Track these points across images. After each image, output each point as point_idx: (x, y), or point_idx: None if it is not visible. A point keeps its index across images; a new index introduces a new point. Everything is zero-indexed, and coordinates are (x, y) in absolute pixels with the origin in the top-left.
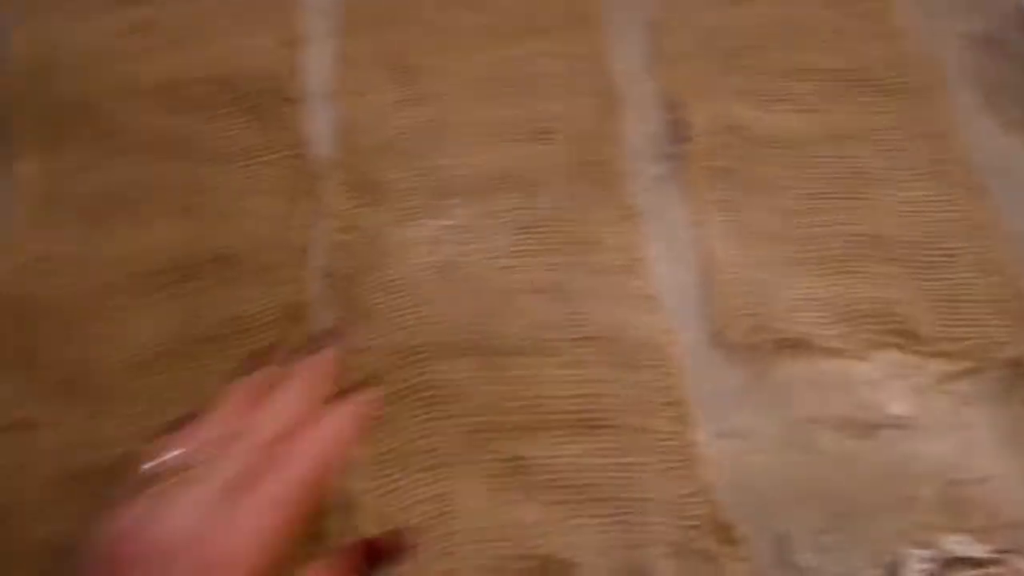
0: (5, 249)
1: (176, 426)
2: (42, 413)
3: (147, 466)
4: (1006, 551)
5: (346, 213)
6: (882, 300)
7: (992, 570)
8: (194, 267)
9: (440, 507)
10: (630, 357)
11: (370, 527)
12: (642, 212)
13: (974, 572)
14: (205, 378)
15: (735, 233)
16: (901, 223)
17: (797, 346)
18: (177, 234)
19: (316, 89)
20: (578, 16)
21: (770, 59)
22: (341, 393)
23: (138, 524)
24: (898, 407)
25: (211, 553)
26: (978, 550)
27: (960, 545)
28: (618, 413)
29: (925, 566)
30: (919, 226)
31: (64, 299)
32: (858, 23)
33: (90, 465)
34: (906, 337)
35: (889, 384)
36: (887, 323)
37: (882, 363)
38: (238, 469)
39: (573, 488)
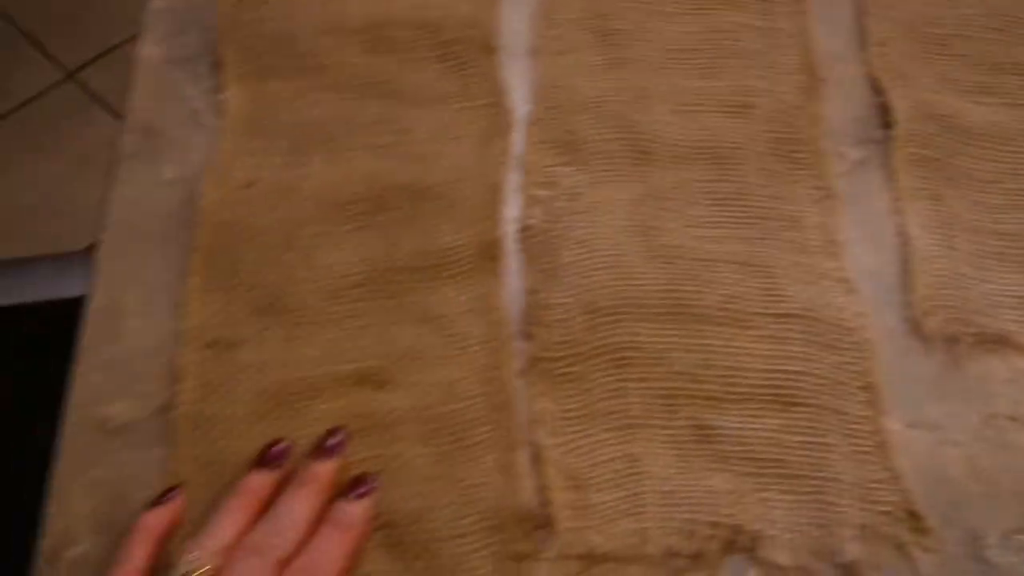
0: (214, 176)
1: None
2: (243, 332)
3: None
4: None
5: (544, 169)
6: None
7: None
8: (390, 200)
9: (628, 467)
10: (826, 337)
11: (557, 481)
12: (841, 195)
13: None
14: (398, 308)
15: (936, 223)
16: None
17: (996, 341)
18: (373, 168)
19: (515, 46)
20: None
21: (980, 50)
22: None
23: None
24: None
25: None
26: None
27: None
28: (812, 392)
29: None
30: None
31: (266, 226)
32: None
33: (285, 384)
34: None
35: None
36: None
37: None
38: None
39: (764, 462)
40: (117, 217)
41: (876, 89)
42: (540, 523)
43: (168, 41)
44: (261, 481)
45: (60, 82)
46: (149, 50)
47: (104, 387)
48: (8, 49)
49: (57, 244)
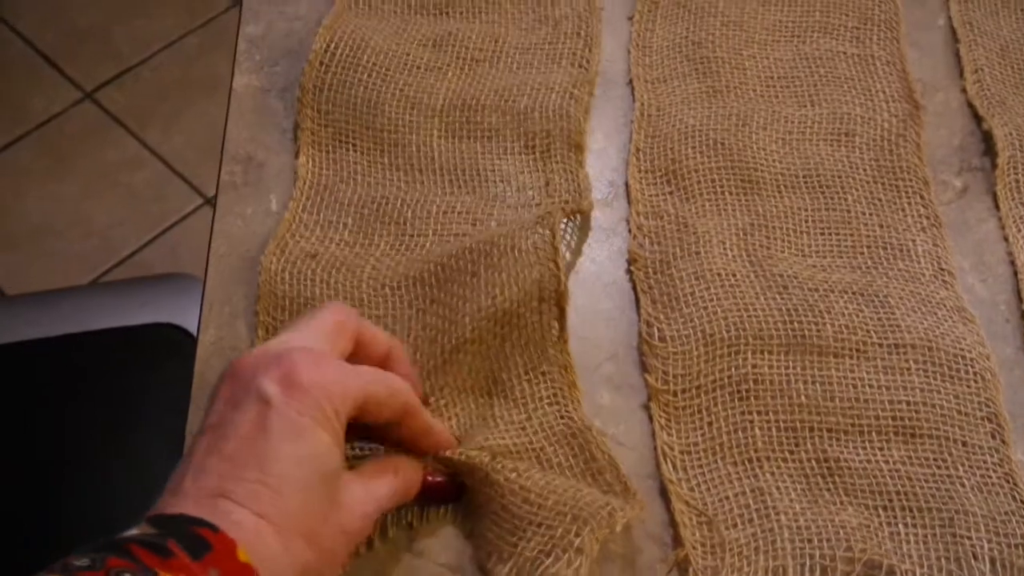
0: (276, 246)
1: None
2: None
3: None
4: None
5: (649, 199)
6: None
7: None
8: (453, 281)
9: (758, 502)
10: (945, 368)
11: (686, 517)
12: (947, 223)
13: None
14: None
15: None
16: None
17: None
18: (442, 258)
19: (613, 74)
20: (875, 19)
21: None
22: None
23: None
24: None
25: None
26: None
27: None
28: (935, 423)
29: None
30: None
31: (323, 301)
32: None
33: None
34: None
35: None
36: None
37: None
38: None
39: (891, 495)
40: (224, 250)
41: (975, 116)
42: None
43: (263, 70)
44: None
45: (78, 102)
46: (244, 79)
47: None
48: (27, 70)
49: (76, 264)
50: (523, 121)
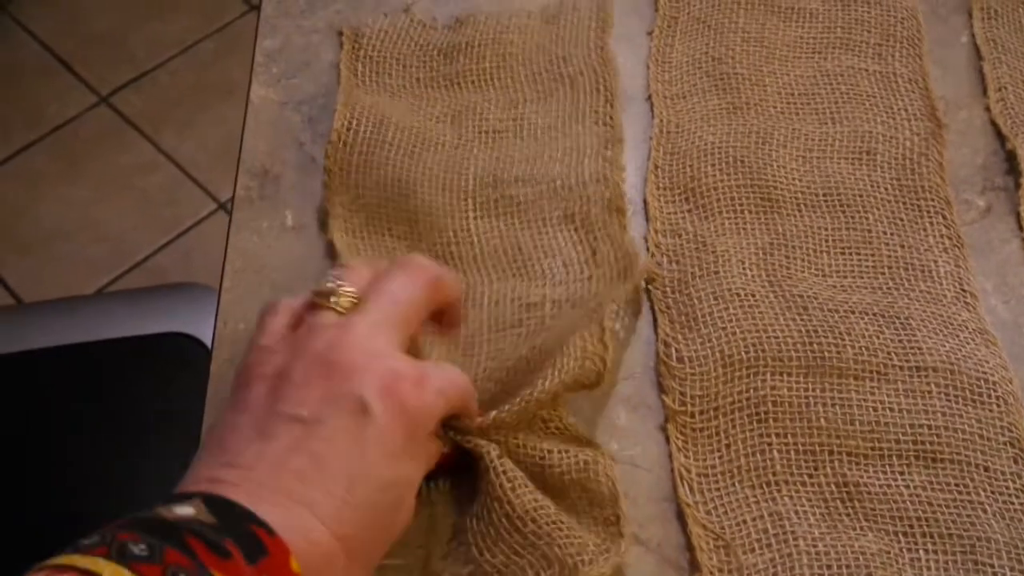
0: None
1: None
2: None
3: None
4: None
5: (668, 216)
6: None
7: None
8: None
9: (776, 527)
10: (968, 391)
11: (703, 541)
12: (969, 243)
13: None
14: None
15: None
16: None
17: None
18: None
19: (631, 89)
20: (897, 36)
21: None
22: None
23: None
24: None
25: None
26: None
27: None
28: (957, 448)
29: None
30: None
31: None
32: None
33: None
34: None
35: None
36: None
37: None
38: None
39: (912, 520)
40: (239, 265)
41: (998, 135)
42: None
43: (280, 83)
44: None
45: (93, 106)
46: (261, 92)
47: None
48: (42, 73)
49: (89, 268)
50: (559, 190)
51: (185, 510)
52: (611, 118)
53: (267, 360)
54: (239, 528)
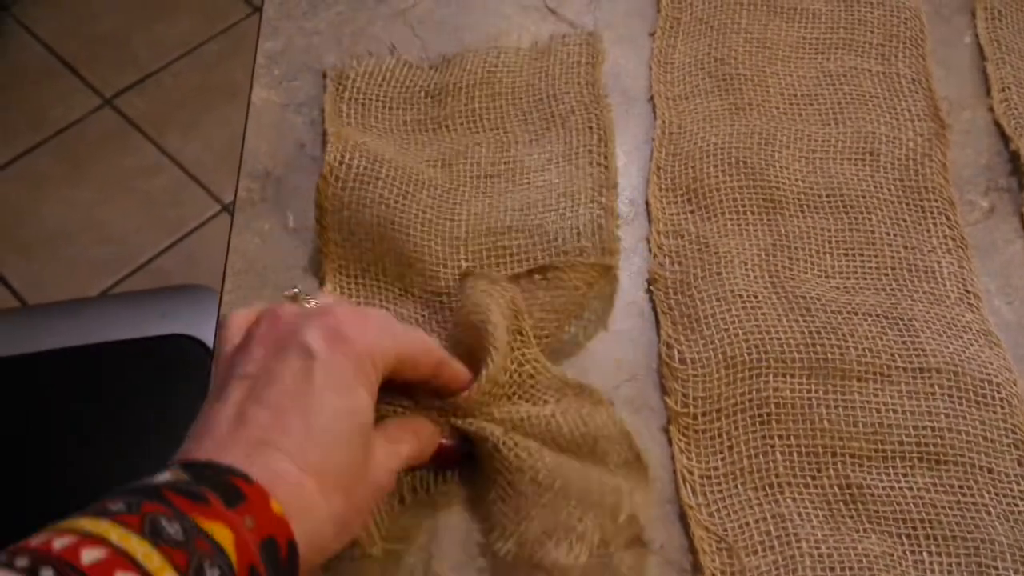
0: None
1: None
2: None
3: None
4: None
5: (670, 218)
6: None
7: None
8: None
9: (779, 529)
10: (971, 393)
11: (706, 543)
12: (973, 244)
13: None
14: None
15: None
16: None
17: None
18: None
19: (633, 90)
20: (900, 37)
21: None
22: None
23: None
24: None
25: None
26: None
27: None
28: (961, 450)
29: None
30: None
31: None
32: None
33: None
34: None
35: None
36: None
37: None
38: None
39: (915, 522)
40: (240, 267)
41: (1002, 136)
42: None
43: (281, 85)
44: None
45: (97, 108)
46: (262, 94)
47: None
48: (46, 76)
49: (93, 270)
50: (552, 240)
51: (163, 476)
52: (605, 158)
53: (226, 348)
54: (215, 480)
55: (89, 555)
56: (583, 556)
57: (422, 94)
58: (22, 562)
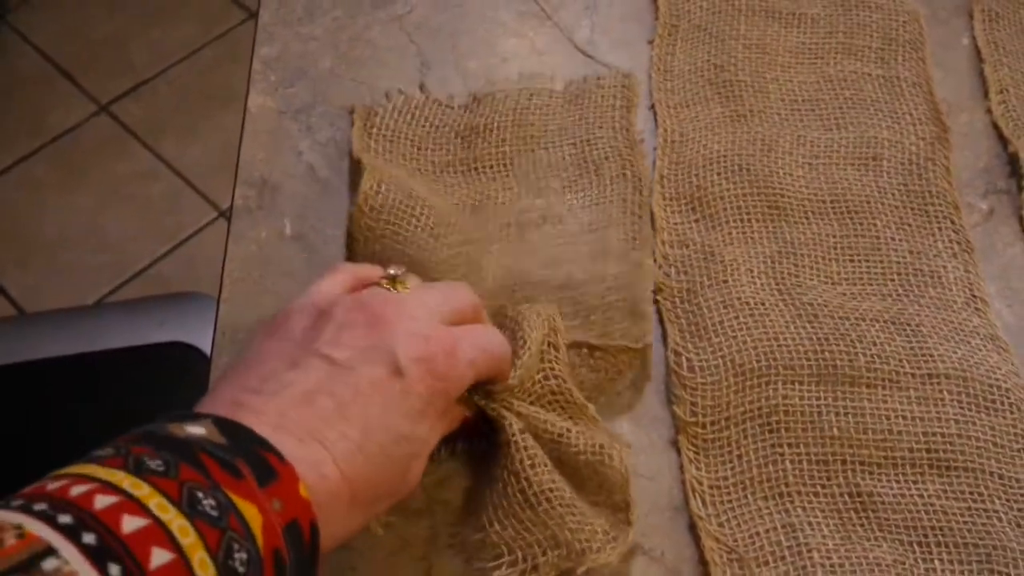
0: None
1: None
2: None
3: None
4: None
5: (675, 227)
6: None
7: None
8: None
9: (790, 539)
10: (980, 398)
11: (717, 554)
12: (976, 248)
13: None
14: None
15: None
16: None
17: None
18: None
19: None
20: (899, 40)
21: None
22: None
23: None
24: None
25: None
26: None
27: None
28: (971, 456)
29: None
30: None
31: None
32: None
33: None
34: None
35: None
36: None
37: None
38: None
39: (926, 530)
40: (237, 274)
41: (1000, 138)
42: None
43: (277, 91)
44: None
45: (94, 115)
46: (259, 100)
47: None
48: (42, 82)
49: (90, 277)
50: (579, 298)
51: (196, 429)
52: (639, 207)
53: (314, 299)
54: (250, 451)
55: (129, 523)
56: None
57: (452, 134)
58: (65, 518)
